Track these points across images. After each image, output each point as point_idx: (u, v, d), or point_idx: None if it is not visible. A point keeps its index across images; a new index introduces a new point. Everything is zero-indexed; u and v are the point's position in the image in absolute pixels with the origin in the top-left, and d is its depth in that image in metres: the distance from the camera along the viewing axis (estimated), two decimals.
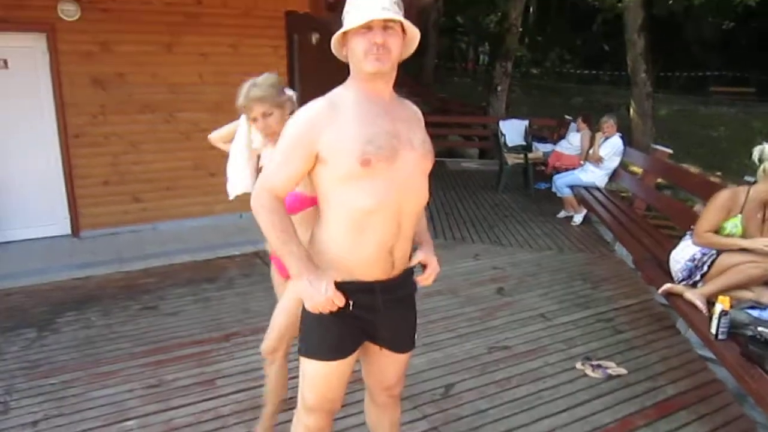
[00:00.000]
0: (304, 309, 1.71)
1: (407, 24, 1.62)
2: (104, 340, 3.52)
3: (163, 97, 5.55)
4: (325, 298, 1.61)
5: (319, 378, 1.78)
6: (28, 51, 5.04)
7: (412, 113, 1.79)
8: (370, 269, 1.69)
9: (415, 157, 1.68)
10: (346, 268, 1.68)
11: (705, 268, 3.34)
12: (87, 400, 2.87)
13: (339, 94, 1.68)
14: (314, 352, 1.76)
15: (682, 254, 3.46)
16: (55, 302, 4.08)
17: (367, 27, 1.56)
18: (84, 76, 5.18)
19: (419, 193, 1.73)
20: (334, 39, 1.64)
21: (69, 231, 5.44)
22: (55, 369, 3.17)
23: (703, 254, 3.36)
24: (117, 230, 5.56)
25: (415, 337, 1.95)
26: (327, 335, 1.71)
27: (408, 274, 1.84)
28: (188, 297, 4.20)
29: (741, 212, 3.26)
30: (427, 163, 1.75)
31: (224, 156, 6.24)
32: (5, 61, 5.00)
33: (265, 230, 1.64)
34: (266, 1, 5.77)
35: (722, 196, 3.32)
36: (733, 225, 3.30)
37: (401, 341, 1.89)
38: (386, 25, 1.57)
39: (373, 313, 1.74)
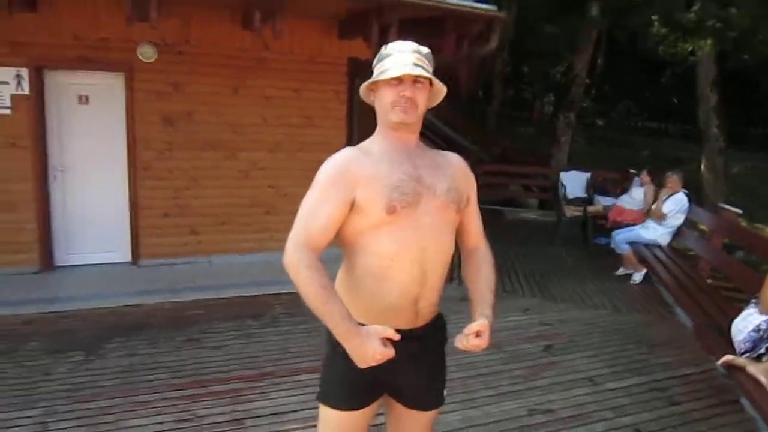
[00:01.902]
0: (325, 352, 1.69)
1: (435, 81, 1.68)
2: (145, 369, 3.59)
3: (227, 136, 5.79)
4: (377, 355, 1.49)
5: (332, 426, 1.75)
6: (107, 88, 5.42)
7: (441, 161, 1.76)
8: (393, 317, 1.64)
9: (437, 205, 1.66)
10: (366, 315, 1.64)
11: None
12: (120, 428, 2.92)
13: (365, 145, 1.72)
14: (329, 399, 1.74)
15: (746, 323, 3.21)
16: (105, 327, 4.22)
17: (398, 80, 1.62)
18: (155, 114, 5.49)
19: (443, 242, 1.69)
20: (364, 85, 1.69)
21: (129, 259, 5.67)
22: (95, 394, 3.25)
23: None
24: (174, 261, 5.75)
25: (444, 393, 1.87)
26: (343, 383, 1.68)
27: (436, 325, 1.78)
28: (231, 332, 4.25)
29: None
30: (451, 213, 1.70)
31: (280, 195, 6.38)
32: (87, 98, 5.39)
33: (302, 289, 1.52)
34: (330, 48, 5.97)
35: None
36: None
37: (425, 398, 1.82)
38: (416, 80, 1.63)
39: (394, 362, 1.67)
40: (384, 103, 1.66)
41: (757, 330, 3.12)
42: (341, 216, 1.61)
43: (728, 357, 3.18)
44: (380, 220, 1.59)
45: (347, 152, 1.68)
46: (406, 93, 1.62)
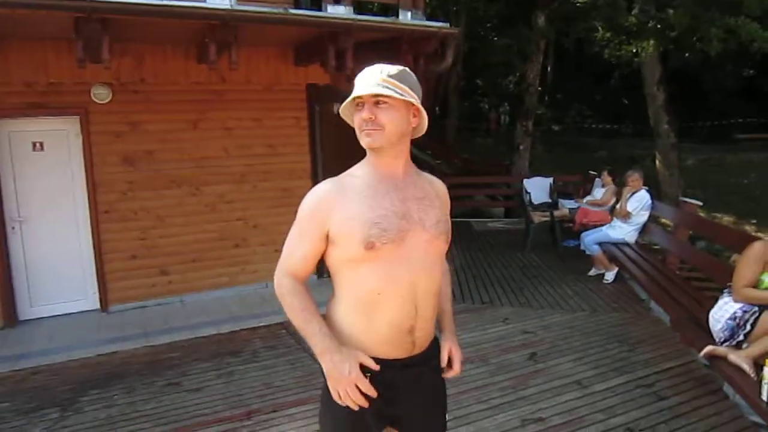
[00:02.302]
0: (324, 388, 1.65)
1: (409, 96, 1.59)
2: (125, 420, 3.46)
3: (190, 172, 5.70)
4: (347, 380, 1.54)
5: None
6: (62, 133, 5.27)
7: (430, 189, 1.74)
8: (388, 349, 1.64)
9: (426, 239, 1.65)
10: (362, 346, 1.63)
11: (748, 326, 3.17)
12: None
13: (352, 173, 1.69)
14: None
15: (722, 312, 3.30)
16: (79, 380, 4.05)
17: (360, 104, 1.60)
18: (114, 155, 5.37)
19: (433, 273, 1.69)
20: (342, 113, 1.68)
21: (98, 306, 5.49)
22: None
23: (745, 312, 3.19)
24: (144, 303, 5.59)
25: (446, 418, 1.85)
26: (344, 425, 1.63)
27: (433, 350, 1.76)
28: (212, 372, 4.13)
29: None
30: (441, 245, 1.70)
31: (249, 227, 6.33)
32: (41, 144, 5.23)
33: (288, 312, 1.64)
34: (288, 75, 5.97)
35: (755, 249, 3.21)
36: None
37: (428, 426, 1.79)
38: (378, 100, 1.58)
39: (394, 391, 1.65)
40: (355, 128, 1.65)
41: (733, 318, 3.21)
42: (318, 251, 1.66)
43: (710, 348, 3.26)
44: (360, 255, 1.57)
45: (324, 188, 1.65)
46: (363, 115, 1.59)
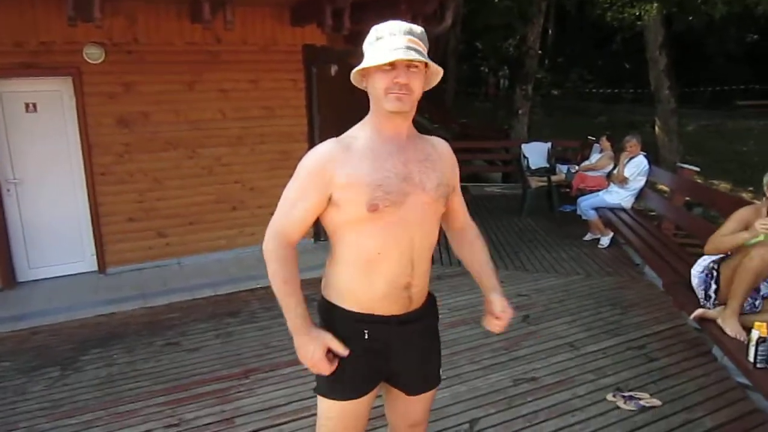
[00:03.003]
0: None
1: (431, 63, 1.58)
2: (125, 378, 3.52)
3: (186, 134, 5.65)
4: (310, 361, 1.62)
5: (333, 418, 1.75)
6: (55, 94, 5.20)
7: (432, 151, 1.72)
8: (386, 305, 1.66)
9: (426, 200, 1.65)
10: (360, 302, 1.66)
11: (713, 284, 3.24)
12: None
13: (352, 135, 1.65)
14: (328, 391, 1.73)
15: (699, 268, 3.37)
16: (79, 340, 4.11)
17: (391, 65, 1.53)
18: (109, 117, 5.31)
19: (430, 233, 1.70)
20: (355, 71, 1.61)
21: (95, 268, 5.52)
22: (76, 409, 3.17)
23: (713, 261, 3.26)
24: (142, 266, 5.62)
25: (440, 371, 1.89)
26: (341, 374, 1.67)
27: (429, 306, 1.79)
28: (210, 332, 4.19)
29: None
30: (440, 207, 1.71)
31: (246, 189, 6.29)
32: (34, 105, 5.16)
33: (270, 278, 1.64)
34: (284, 36, 5.86)
35: (742, 210, 3.28)
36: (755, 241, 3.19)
37: (422, 381, 1.83)
38: (410, 64, 1.54)
39: (388, 347, 1.69)
40: (377, 90, 1.56)
41: (703, 271, 3.27)
42: (317, 211, 1.63)
43: (699, 311, 3.31)
44: (362, 216, 1.57)
45: (328, 147, 1.61)
46: (400, 79, 1.52)
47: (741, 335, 2.99)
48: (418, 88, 1.57)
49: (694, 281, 3.46)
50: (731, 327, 3.06)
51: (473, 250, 1.90)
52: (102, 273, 5.49)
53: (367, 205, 1.55)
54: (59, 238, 5.36)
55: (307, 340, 1.60)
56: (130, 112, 5.37)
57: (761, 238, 3.08)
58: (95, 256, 5.50)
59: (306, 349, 1.61)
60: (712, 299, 3.33)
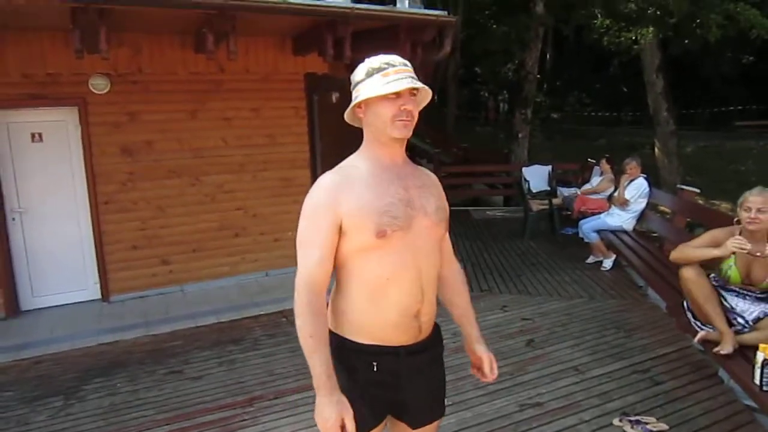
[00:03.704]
0: None
1: (426, 89, 1.66)
2: (129, 408, 3.50)
3: (189, 162, 5.71)
4: (325, 426, 1.56)
5: None
6: (60, 124, 5.28)
7: (427, 179, 1.77)
8: (396, 335, 1.66)
9: (427, 225, 1.67)
10: (369, 332, 1.65)
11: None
12: None
13: (351, 164, 1.67)
14: None
15: None
16: (82, 369, 4.10)
17: (396, 94, 1.58)
18: (113, 146, 5.38)
19: (435, 259, 1.72)
20: (355, 103, 1.65)
21: (99, 296, 5.53)
22: None
23: None
24: (145, 293, 5.62)
25: (445, 402, 1.88)
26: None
27: (436, 336, 1.80)
28: (213, 360, 4.18)
29: (734, 252, 3.17)
30: (441, 231, 1.74)
31: (249, 216, 6.30)
32: (40, 135, 5.24)
33: (298, 330, 1.59)
34: (286, 65, 5.97)
35: (716, 230, 3.34)
36: (728, 266, 3.27)
37: (429, 411, 1.81)
38: (412, 92, 1.61)
39: (397, 379, 1.68)
40: (383, 118, 1.60)
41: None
42: (334, 245, 1.62)
43: (702, 333, 3.29)
44: (370, 244, 1.58)
45: (330, 178, 1.63)
46: (407, 106, 1.58)
47: (735, 345, 3.03)
48: (416, 113, 1.64)
49: (685, 305, 3.52)
50: (725, 346, 3.05)
51: (456, 292, 1.91)
52: (105, 301, 5.49)
53: (375, 232, 1.56)
54: (63, 266, 5.38)
55: (327, 402, 1.55)
56: (134, 141, 5.44)
57: (731, 261, 3.17)
58: (98, 284, 5.51)
59: (324, 410, 1.56)
60: (699, 323, 3.39)
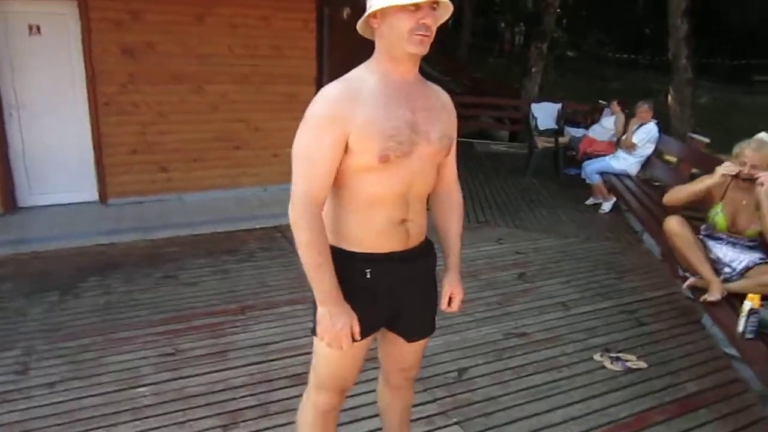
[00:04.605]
0: None
1: (447, 2, 1.52)
2: (124, 307, 3.58)
3: (193, 68, 5.55)
4: (335, 332, 1.57)
5: (332, 358, 1.72)
6: (60, 18, 5.08)
7: (437, 101, 1.68)
8: (385, 240, 1.64)
9: (429, 151, 1.62)
10: (361, 242, 1.64)
11: None
12: (103, 365, 2.92)
13: (359, 77, 1.57)
14: None
15: None
16: (78, 267, 4.15)
17: (416, 5, 1.46)
18: (114, 45, 5.20)
19: (429, 179, 1.69)
20: (370, 12, 1.53)
21: (96, 198, 5.53)
22: (74, 333, 3.23)
23: None
24: (143, 199, 5.62)
25: (435, 319, 1.91)
26: None
27: (427, 248, 1.79)
28: (208, 268, 4.23)
29: (722, 199, 3.29)
30: (440, 157, 1.70)
31: (250, 129, 6.23)
32: (38, 28, 5.05)
33: (300, 246, 1.54)
34: None
35: (709, 176, 3.36)
36: (715, 213, 3.33)
37: (419, 326, 1.84)
38: (432, 4, 1.48)
39: (391, 286, 1.69)
40: (399, 31, 1.48)
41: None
42: (338, 159, 1.54)
43: (692, 280, 3.32)
44: (370, 166, 1.53)
45: (337, 88, 1.54)
46: (426, 20, 1.47)
47: (723, 293, 3.08)
48: (435, 27, 1.52)
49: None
50: (713, 293, 3.09)
51: (450, 219, 1.87)
52: (103, 204, 5.50)
53: (378, 156, 1.51)
54: (61, 165, 5.34)
55: (337, 312, 1.56)
56: (135, 41, 5.26)
57: (718, 207, 3.29)
58: (96, 187, 5.50)
59: (336, 320, 1.55)
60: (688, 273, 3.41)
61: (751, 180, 3.13)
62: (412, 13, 1.47)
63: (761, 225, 3.11)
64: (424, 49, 1.51)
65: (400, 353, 1.89)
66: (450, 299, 1.87)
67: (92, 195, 5.52)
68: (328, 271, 1.56)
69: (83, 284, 3.88)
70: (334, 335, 1.58)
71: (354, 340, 1.60)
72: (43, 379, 2.78)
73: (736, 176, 3.22)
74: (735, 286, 3.13)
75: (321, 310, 1.58)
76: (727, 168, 3.16)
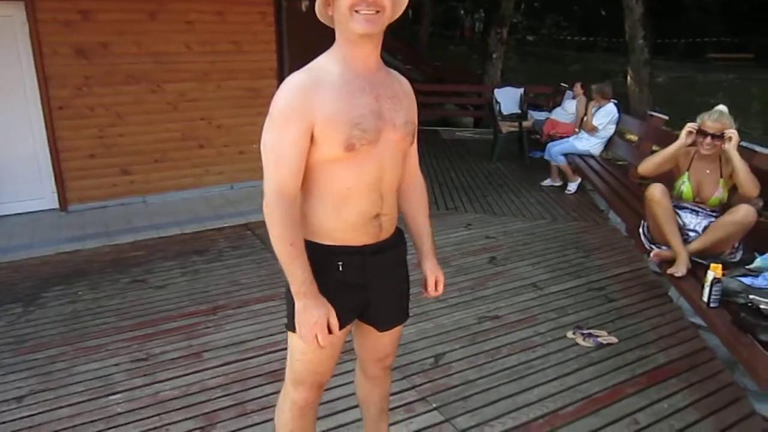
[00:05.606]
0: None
1: None
2: (91, 315, 3.48)
3: (149, 67, 5.43)
4: (311, 326, 1.55)
5: (308, 353, 1.70)
6: (6, 21, 4.90)
7: (399, 88, 1.67)
8: (357, 235, 1.63)
9: (395, 138, 1.61)
10: (332, 235, 1.62)
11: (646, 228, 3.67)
12: (73, 374, 2.84)
13: (321, 67, 1.55)
14: None
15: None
16: (42, 277, 4.03)
17: None
18: (66, 46, 5.05)
19: (397, 168, 1.68)
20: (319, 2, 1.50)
21: (57, 205, 5.37)
22: (41, 344, 3.13)
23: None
24: (106, 203, 5.49)
25: (408, 307, 1.91)
26: None
27: (399, 238, 1.79)
28: (176, 270, 4.16)
29: (688, 170, 3.42)
30: (406, 144, 1.68)
31: (213, 127, 6.11)
32: None
33: (273, 239, 1.53)
34: None
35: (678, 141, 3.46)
36: (681, 182, 3.44)
37: (393, 315, 1.84)
38: None
39: (363, 278, 1.68)
40: (342, 10, 1.45)
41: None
42: (305, 150, 1.52)
43: (656, 251, 3.41)
44: (337, 156, 1.52)
45: (300, 78, 1.51)
46: None
47: (688, 266, 3.18)
48: (388, 4, 1.47)
49: (642, 227, 3.70)
50: (679, 267, 3.18)
51: (417, 206, 1.88)
52: (63, 210, 5.36)
53: (344, 145, 1.49)
54: (17, 174, 5.17)
55: (313, 305, 1.54)
56: (88, 41, 5.12)
57: (684, 177, 3.42)
58: (56, 193, 5.35)
59: (313, 313, 1.54)
60: (655, 245, 3.53)
61: (716, 141, 3.23)
62: None
63: (734, 179, 3.22)
64: (372, 28, 1.46)
65: (375, 343, 1.88)
66: (435, 284, 1.89)
67: (52, 202, 5.36)
68: (301, 265, 1.54)
69: (47, 294, 3.77)
70: (309, 328, 1.56)
71: (330, 333, 1.59)
72: (10, 394, 2.69)
73: (698, 144, 3.32)
74: (694, 245, 3.24)
75: (297, 304, 1.56)
76: (689, 126, 3.33)
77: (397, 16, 1.58)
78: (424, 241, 1.88)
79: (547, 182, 6.65)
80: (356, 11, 1.45)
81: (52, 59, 5.01)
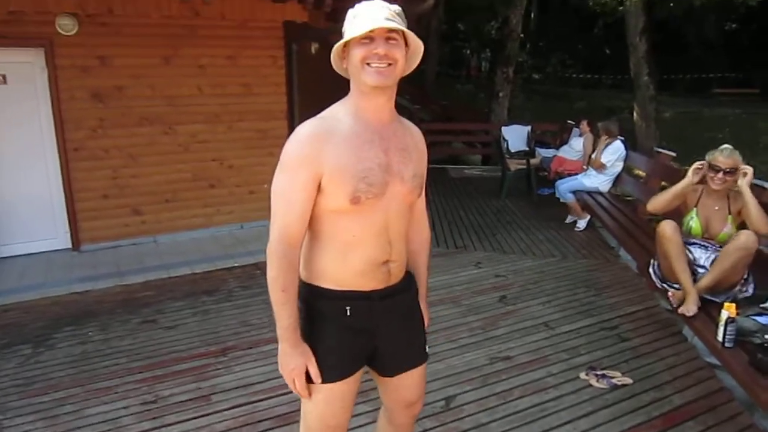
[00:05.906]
0: (301, 328, 1.65)
1: (411, 36, 1.53)
2: (101, 356, 3.48)
3: (162, 110, 5.55)
4: (288, 373, 1.61)
5: (320, 402, 1.69)
6: (26, 66, 5.05)
7: (410, 140, 1.69)
8: (365, 280, 1.64)
9: (402, 191, 1.63)
10: (340, 280, 1.63)
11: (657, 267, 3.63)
12: (81, 417, 2.83)
13: (334, 116, 1.58)
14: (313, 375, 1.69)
15: None
16: (52, 317, 4.05)
17: (369, 38, 1.48)
18: (83, 90, 5.18)
19: (403, 218, 1.70)
20: (335, 51, 1.55)
21: (69, 245, 5.42)
22: (49, 386, 3.13)
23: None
24: (117, 243, 5.54)
25: (426, 347, 1.89)
26: (325, 356, 1.64)
27: (408, 281, 1.79)
28: (187, 310, 4.16)
29: (696, 206, 3.45)
30: (414, 197, 1.71)
31: (224, 167, 6.20)
32: (4, 77, 5.01)
33: (268, 280, 1.58)
34: (263, 12, 5.75)
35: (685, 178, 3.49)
36: (690, 218, 3.46)
37: (403, 359, 1.81)
38: (389, 36, 1.49)
39: (372, 323, 1.68)
40: (354, 62, 1.50)
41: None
42: (312, 198, 1.56)
43: (672, 291, 3.38)
44: (342, 207, 1.55)
45: (312, 126, 1.55)
46: (379, 50, 1.47)
47: (698, 305, 3.15)
48: (400, 58, 1.52)
49: (653, 265, 3.69)
50: (689, 306, 3.14)
51: (420, 252, 1.90)
52: (76, 250, 5.40)
53: (350, 198, 1.52)
54: (31, 214, 5.24)
55: (292, 353, 1.59)
56: (104, 86, 5.25)
57: (693, 213, 3.44)
58: (69, 233, 5.40)
59: (290, 361, 1.59)
60: (666, 284, 3.50)
61: (728, 177, 3.26)
62: (365, 45, 1.49)
63: (744, 215, 3.23)
64: (384, 80, 1.51)
65: (397, 387, 1.84)
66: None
67: (65, 242, 5.41)
68: (288, 310, 1.57)
69: (57, 335, 3.78)
70: (287, 374, 1.61)
71: (310, 382, 1.63)
72: None
73: (708, 179, 3.34)
74: (704, 281, 3.20)
75: (280, 346, 1.61)
76: (697, 164, 3.38)
77: (411, 69, 1.62)
78: (422, 283, 1.91)
79: (569, 219, 6.61)
80: (368, 64, 1.50)
81: (69, 103, 5.14)
